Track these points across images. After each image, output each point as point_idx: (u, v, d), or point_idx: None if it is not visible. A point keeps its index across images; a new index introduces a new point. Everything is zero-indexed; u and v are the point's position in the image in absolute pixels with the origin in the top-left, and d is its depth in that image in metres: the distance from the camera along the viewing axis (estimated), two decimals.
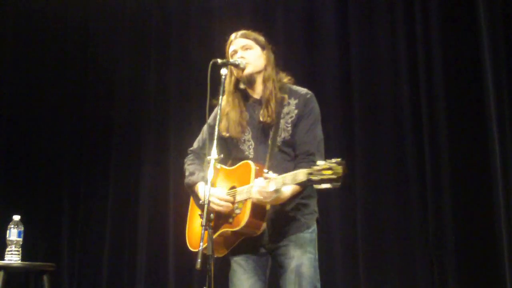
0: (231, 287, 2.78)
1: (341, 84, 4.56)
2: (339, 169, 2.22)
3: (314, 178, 2.27)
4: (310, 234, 2.72)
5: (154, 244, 5.06)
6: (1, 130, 5.60)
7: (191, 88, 5.13)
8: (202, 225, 2.37)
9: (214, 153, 2.54)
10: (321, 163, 2.28)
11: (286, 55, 4.29)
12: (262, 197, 2.49)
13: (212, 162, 2.52)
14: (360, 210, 4.33)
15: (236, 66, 2.77)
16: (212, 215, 2.41)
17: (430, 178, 4.14)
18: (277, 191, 2.47)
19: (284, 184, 2.44)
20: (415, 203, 4.20)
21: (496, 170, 3.86)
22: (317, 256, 2.72)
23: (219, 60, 2.68)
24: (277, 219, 2.68)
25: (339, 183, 2.23)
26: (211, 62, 2.64)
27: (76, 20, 5.74)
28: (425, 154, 4.18)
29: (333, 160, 2.25)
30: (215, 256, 2.76)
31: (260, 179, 2.49)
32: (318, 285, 2.68)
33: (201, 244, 2.32)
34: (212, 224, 2.40)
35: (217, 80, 2.68)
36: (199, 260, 2.29)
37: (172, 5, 5.43)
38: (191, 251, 4.46)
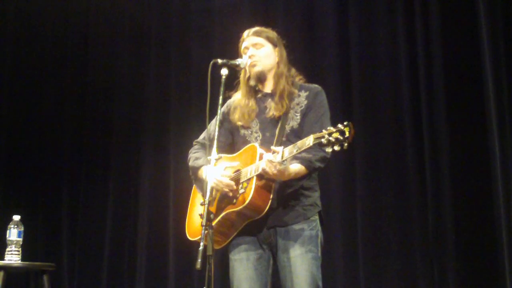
0: (232, 286, 2.76)
1: (341, 84, 4.57)
2: (347, 130, 2.28)
3: (322, 140, 2.31)
4: (310, 231, 2.70)
5: (154, 244, 5.06)
6: (1, 130, 5.60)
7: (191, 88, 5.13)
8: (202, 225, 2.37)
9: (214, 153, 2.55)
10: (329, 128, 2.32)
11: (286, 55, 4.29)
12: (268, 169, 2.49)
13: (213, 162, 2.53)
14: (360, 210, 4.33)
15: (237, 66, 2.79)
16: (213, 196, 2.41)
17: (430, 178, 4.14)
18: (283, 162, 2.48)
19: (291, 153, 2.45)
20: (415, 203, 4.20)
21: (496, 170, 3.86)
22: (320, 254, 2.71)
23: (219, 60, 2.69)
24: (277, 205, 2.67)
25: (347, 143, 2.28)
26: (211, 62, 2.66)
27: (76, 20, 5.74)
28: (425, 154, 4.19)
29: (339, 125, 2.30)
30: (215, 248, 2.77)
31: (268, 154, 2.51)
32: (320, 283, 2.67)
33: (201, 244, 2.32)
34: (214, 221, 2.40)
35: (217, 80, 2.68)
36: (199, 260, 2.28)
37: (172, 5, 5.43)
38: (190, 252, 4.52)
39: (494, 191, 3.86)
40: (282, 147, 2.50)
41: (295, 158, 2.57)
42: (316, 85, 2.88)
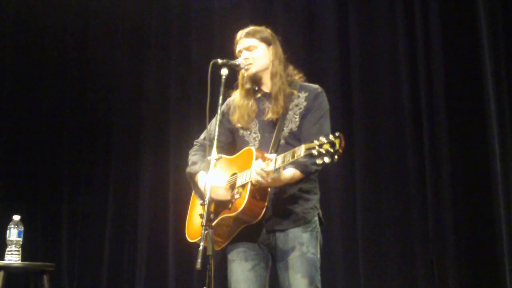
0: (230, 286, 2.76)
1: (341, 84, 4.57)
2: (337, 142, 2.24)
3: (313, 152, 2.27)
4: (309, 233, 2.70)
5: (154, 243, 5.06)
6: (1, 130, 5.60)
7: (191, 88, 5.13)
8: (202, 225, 2.37)
9: (214, 153, 2.54)
10: (320, 139, 2.28)
11: (286, 55, 4.29)
12: (261, 177, 2.48)
13: (213, 162, 2.52)
14: (360, 210, 4.33)
15: (237, 66, 2.77)
16: (209, 201, 2.40)
17: (430, 177, 4.14)
18: (277, 170, 2.46)
19: (284, 162, 2.43)
20: (415, 203, 4.20)
21: (496, 170, 3.86)
22: (319, 256, 2.71)
23: (219, 60, 2.67)
24: (275, 208, 2.67)
25: (337, 156, 2.24)
26: (211, 62, 2.65)
27: (76, 20, 5.74)
28: (425, 153, 4.19)
29: (331, 136, 2.27)
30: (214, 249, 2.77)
31: (259, 160, 2.50)
32: (319, 285, 2.67)
33: (201, 244, 2.32)
34: (212, 224, 2.40)
35: (217, 80, 2.68)
36: (199, 260, 2.28)
37: (172, 5, 5.43)
38: (190, 252, 4.52)
39: (494, 191, 3.86)
40: (275, 154, 2.49)
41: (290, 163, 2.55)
42: (317, 86, 2.83)
